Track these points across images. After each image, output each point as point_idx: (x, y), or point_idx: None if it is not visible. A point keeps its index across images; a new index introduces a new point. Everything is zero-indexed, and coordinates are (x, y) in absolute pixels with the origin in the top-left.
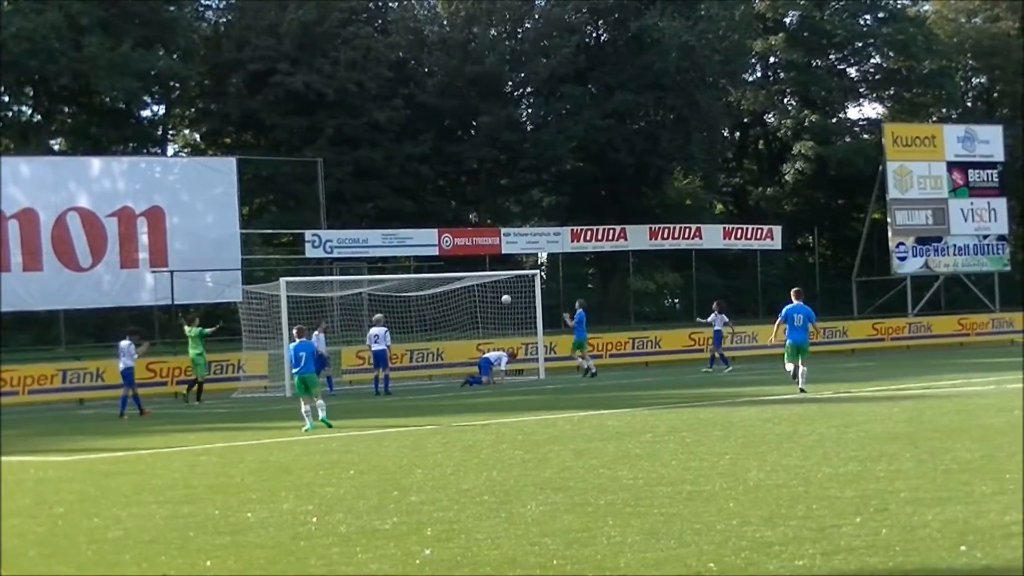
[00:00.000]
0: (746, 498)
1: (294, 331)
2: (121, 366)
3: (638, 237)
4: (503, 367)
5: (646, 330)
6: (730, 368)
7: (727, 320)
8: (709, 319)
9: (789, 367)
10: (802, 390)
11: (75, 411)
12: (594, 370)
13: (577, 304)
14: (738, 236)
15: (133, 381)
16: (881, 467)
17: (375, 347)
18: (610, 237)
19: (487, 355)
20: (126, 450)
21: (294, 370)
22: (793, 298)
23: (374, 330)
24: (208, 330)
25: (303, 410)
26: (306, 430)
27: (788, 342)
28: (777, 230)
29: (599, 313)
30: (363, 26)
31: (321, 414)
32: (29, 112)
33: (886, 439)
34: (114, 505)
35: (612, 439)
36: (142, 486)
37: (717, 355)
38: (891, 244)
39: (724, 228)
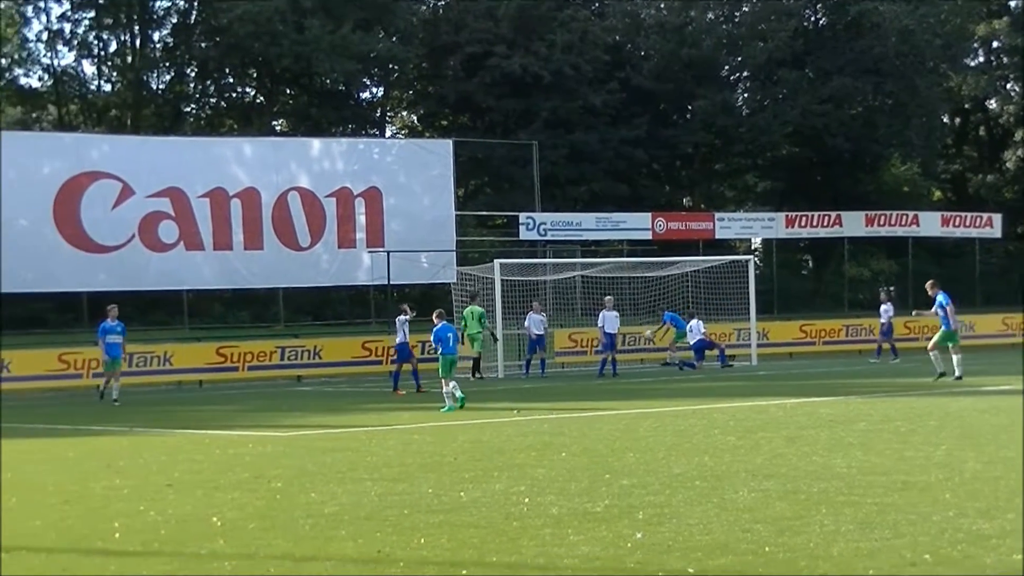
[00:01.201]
0: (962, 490)
1: (434, 315)
2: (397, 340)
3: (854, 223)
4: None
5: (860, 318)
6: (897, 359)
7: (891, 310)
8: (881, 310)
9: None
10: (959, 377)
11: (293, 388)
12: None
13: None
14: (956, 224)
15: (409, 355)
16: None
17: (608, 329)
18: (825, 223)
19: (699, 339)
20: (342, 427)
21: (440, 351)
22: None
23: (605, 312)
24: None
25: (446, 391)
26: (446, 411)
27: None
28: (997, 218)
29: (812, 300)
30: (580, 9)
31: (459, 394)
32: (252, 94)
33: None
34: (330, 481)
35: (825, 427)
36: (357, 463)
37: (887, 346)
38: None
39: (942, 215)
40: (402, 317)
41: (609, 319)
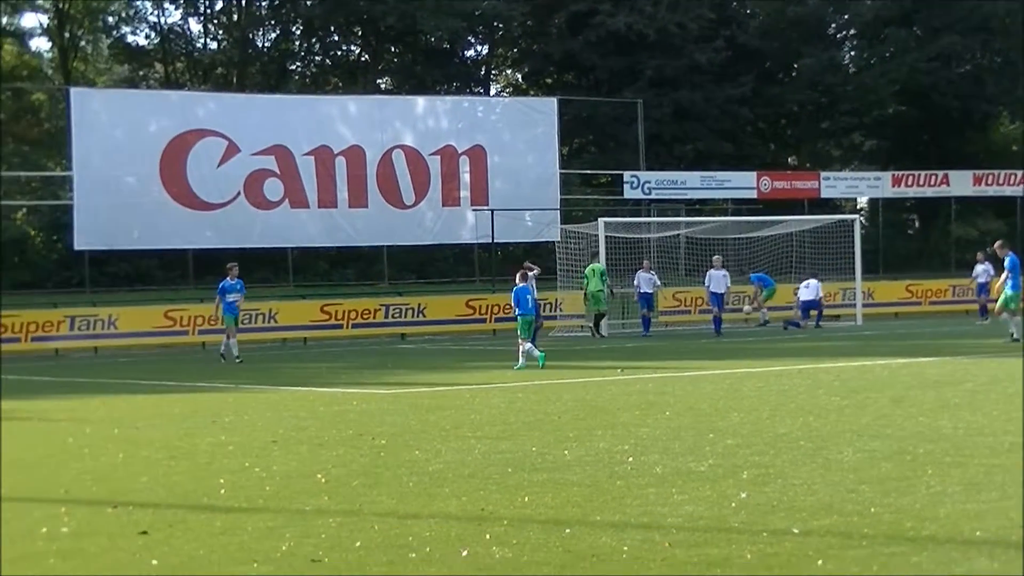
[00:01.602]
0: None
1: (517, 275)
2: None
3: (961, 183)
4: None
5: (967, 278)
6: (986, 320)
7: (991, 270)
8: (979, 269)
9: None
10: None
11: (397, 345)
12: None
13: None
14: None
15: (538, 313)
16: None
17: (713, 288)
18: (932, 182)
19: (811, 300)
20: (446, 385)
21: (518, 312)
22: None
23: (713, 272)
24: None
25: (522, 350)
26: (518, 368)
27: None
28: None
29: (918, 260)
30: None
31: (537, 353)
32: (357, 51)
33: None
34: (434, 439)
35: (931, 387)
36: (461, 421)
37: (991, 305)
38: None
39: None
40: (529, 273)
41: (716, 278)
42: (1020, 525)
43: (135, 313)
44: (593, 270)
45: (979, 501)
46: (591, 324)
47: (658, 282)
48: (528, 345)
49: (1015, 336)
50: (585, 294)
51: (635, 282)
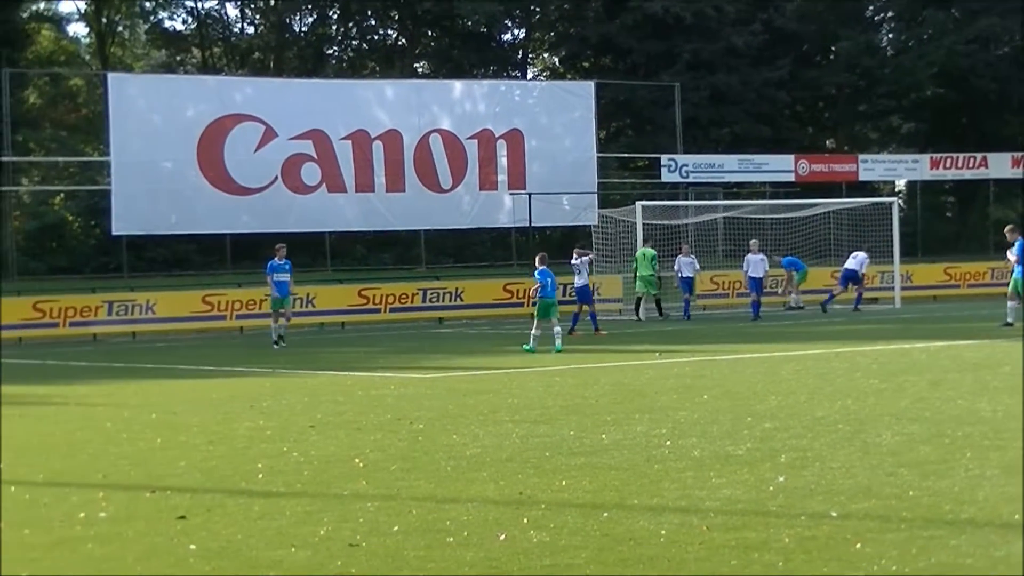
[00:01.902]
0: None
1: (537, 258)
2: (577, 283)
3: (1000, 165)
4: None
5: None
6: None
7: None
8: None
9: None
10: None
11: (434, 329)
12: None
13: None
14: None
15: (589, 297)
16: None
17: (751, 273)
18: (970, 165)
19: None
20: (484, 369)
21: (540, 295)
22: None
23: (750, 256)
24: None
25: (533, 333)
26: (527, 349)
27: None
28: None
29: (957, 242)
30: None
31: (557, 341)
32: (394, 36)
33: None
34: (472, 423)
35: (969, 370)
36: (499, 405)
37: None
38: None
39: None
40: (584, 258)
41: (754, 263)
42: None
43: (173, 298)
44: (644, 254)
45: (1017, 484)
46: (635, 307)
47: (697, 266)
48: (556, 329)
49: (1009, 320)
50: (635, 277)
51: (675, 266)
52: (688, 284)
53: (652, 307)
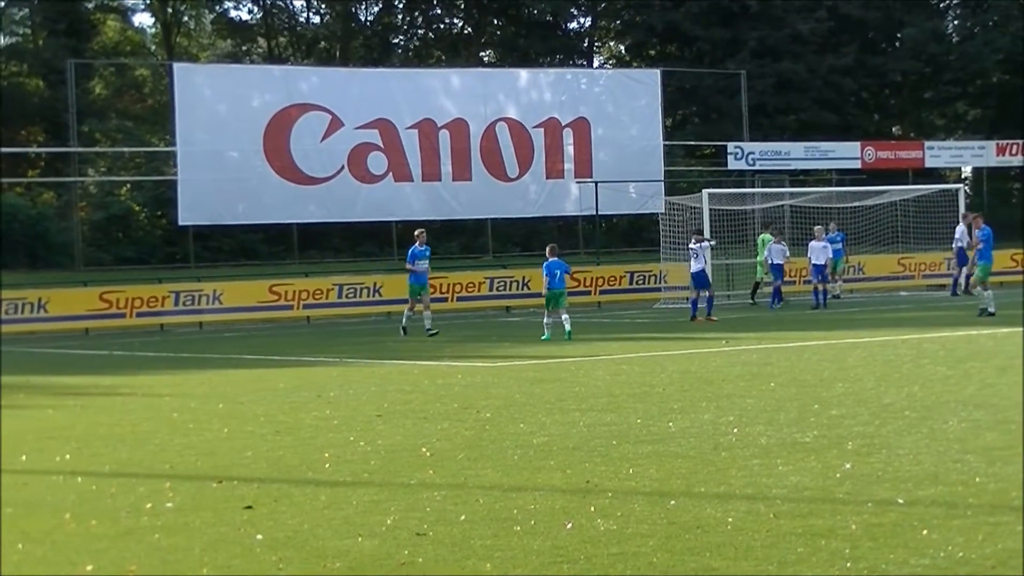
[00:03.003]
0: None
1: (547, 249)
2: (694, 268)
3: None
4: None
5: None
6: None
7: None
8: None
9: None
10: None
11: (502, 318)
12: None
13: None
14: None
15: (706, 283)
16: None
17: (815, 260)
18: None
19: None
20: (551, 358)
21: (548, 286)
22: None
23: (813, 243)
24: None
25: (545, 322)
26: (544, 339)
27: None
28: None
29: (1019, 230)
30: None
31: (567, 327)
32: (460, 25)
33: None
34: (539, 411)
35: None
36: (566, 394)
37: None
38: None
39: None
40: (704, 244)
41: (816, 250)
42: None
43: (239, 288)
44: (763, 240)
45: None
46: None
47: (788, 253)
48: (564, 317)
49: (989, 310)
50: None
51: (766, 253)
52: (779, 271)
53: (753, 292)
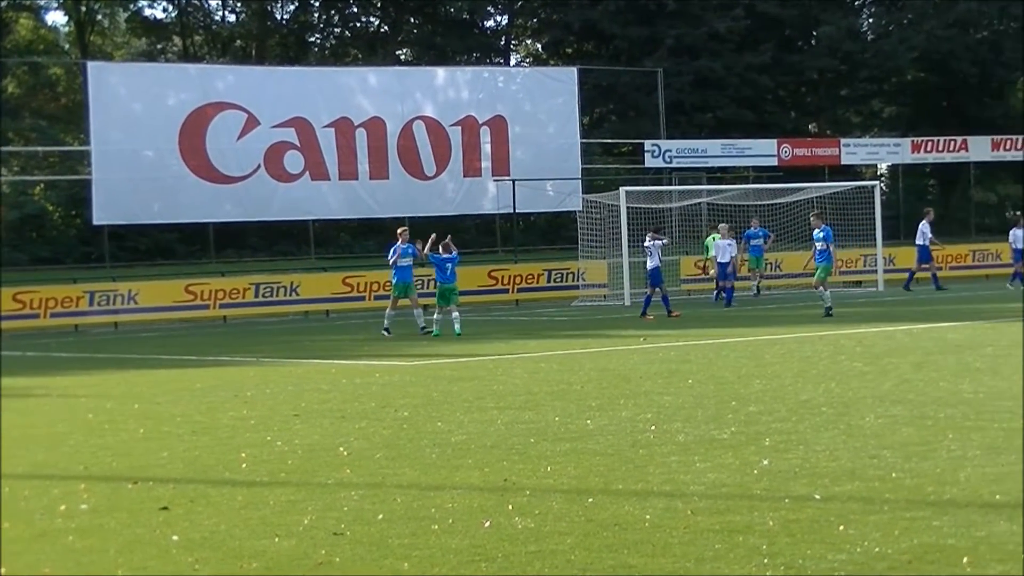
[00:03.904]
0: None
1: (440, 245)
2: (649, 266)
3: (980, 148)
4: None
5: (987, 243)
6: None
7: None
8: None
9: None
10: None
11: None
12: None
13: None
14: None
15: (660, 281)
16: None
17: (720, 259)
18: (951, 148)
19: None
20: (469, 356)
21: (439, 281)
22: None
23: (718, 241)
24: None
25: (435, 317)
26: (434, 335)
27: None
28: None
29: (938, 225)
30: None
31: (456, 326)
32: (377, 23)
33: None
34: (457, 410)
35: (952, 352)
36: (484, 392)
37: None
38: None
39: None
40: (657, 242)
41: (721, 248)
42: None
43: (155, 287)
44: (709, 243)
45: (999, 464)
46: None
47: (734, 250)
48: (455, 314)
49: (829, 309)
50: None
51: (712, 251)
52: (724, 269)
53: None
